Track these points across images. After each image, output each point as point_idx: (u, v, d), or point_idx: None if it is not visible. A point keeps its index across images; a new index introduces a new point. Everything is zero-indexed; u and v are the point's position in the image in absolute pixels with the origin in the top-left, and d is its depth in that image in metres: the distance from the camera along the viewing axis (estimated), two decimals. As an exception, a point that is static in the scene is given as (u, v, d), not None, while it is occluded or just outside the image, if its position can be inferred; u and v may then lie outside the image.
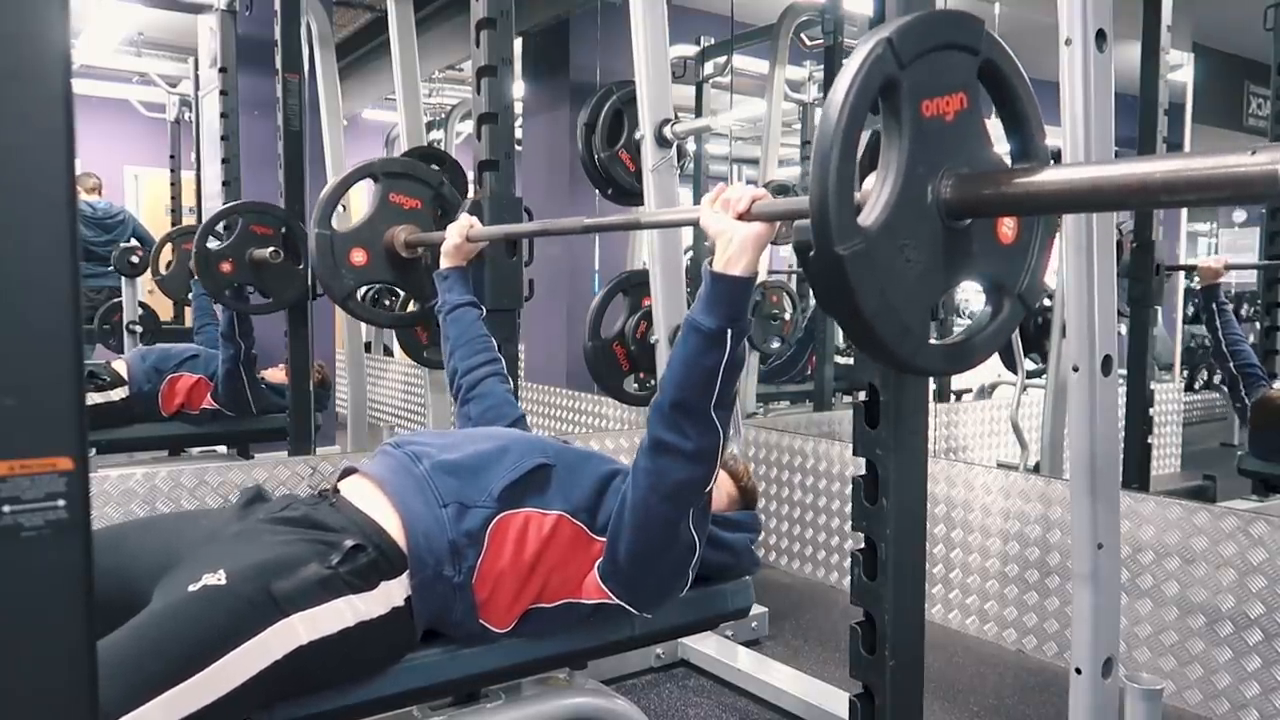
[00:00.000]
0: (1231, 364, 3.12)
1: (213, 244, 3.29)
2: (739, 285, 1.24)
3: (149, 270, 4.57)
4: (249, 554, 1.27)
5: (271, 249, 3.17)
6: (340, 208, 4.04)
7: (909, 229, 0.84)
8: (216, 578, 1.21)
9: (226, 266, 3.27)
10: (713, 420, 1.31)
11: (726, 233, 1.24)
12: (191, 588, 1.20)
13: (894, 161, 0.82)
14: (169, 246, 4.57)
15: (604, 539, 1.44)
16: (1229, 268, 3.24)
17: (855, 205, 0.81)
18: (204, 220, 3.37)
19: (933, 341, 0.91)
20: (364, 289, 3.08)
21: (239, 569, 1.23)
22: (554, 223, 1.89)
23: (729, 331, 1.26)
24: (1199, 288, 3.20)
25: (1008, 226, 0.96)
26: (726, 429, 1.34)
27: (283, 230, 3.29)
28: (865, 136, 0.85)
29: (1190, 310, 4.94)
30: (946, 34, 0.83)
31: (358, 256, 2.20)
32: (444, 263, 1.96)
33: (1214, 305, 3.13)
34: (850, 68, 0.78)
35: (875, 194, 0.83)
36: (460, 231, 1.92)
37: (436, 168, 3.41)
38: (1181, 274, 4.70)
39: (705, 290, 1.27)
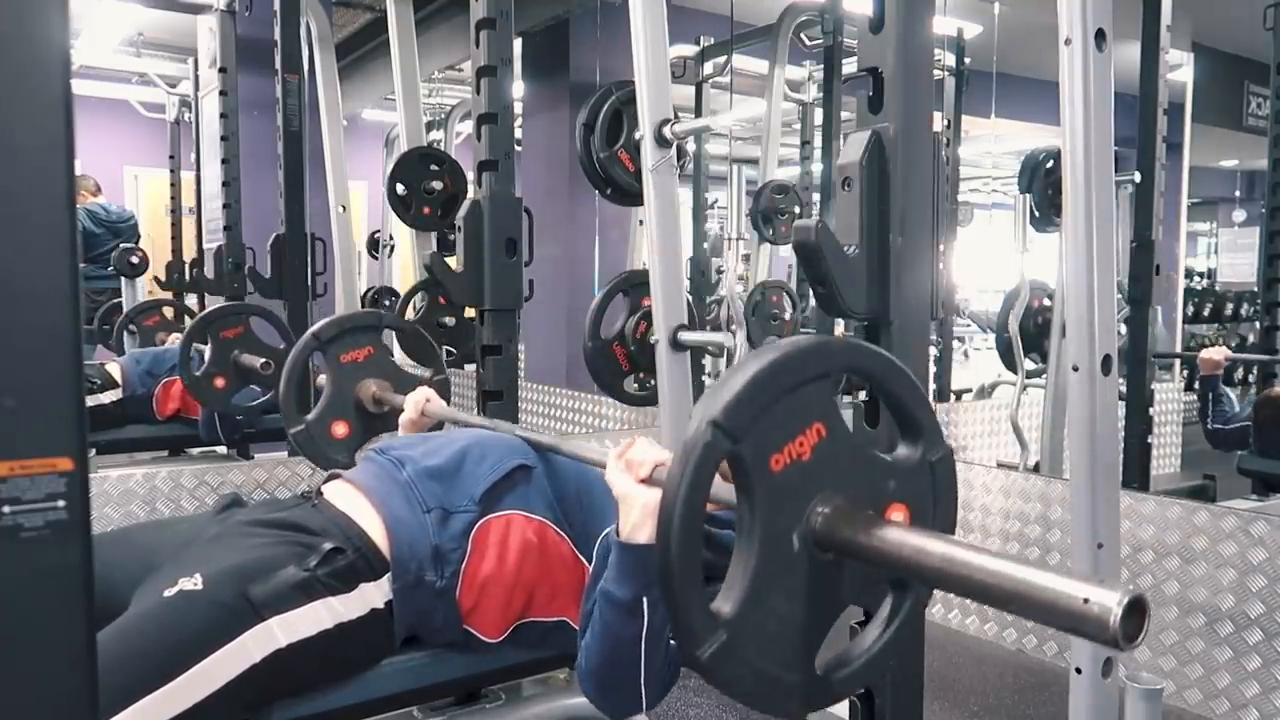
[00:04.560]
0: (1220, 431, 3.14)
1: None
2: (646, 553, 1.17)
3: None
4: (226, 558, 1.27)
5: (262, 360, 3.15)
6: (340, 208, 4.07)
7: (776, 589, 0.78)
8: (192, 582, 1.20)
9: (220, 381, 3.27)
10: (639, 693, 1.26)
11: (628, 498, 1.19)
12: (167, 593, 1.19)
13: (749, 527, 0.77)
14: (130, 326, 4.44)
15: (588, 562, 1.41)
16: (1230, 360, 3.24)
17: (716, 504, 0.76)
18: (180, 346, 3.33)
19: (827, 666, 0.84)
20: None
21: (215, 573, 1.22)
22: (499, 423, 1.75)
23: (645, 600, 1.19)
24: (1199, 376, 3.19)
25: (898, 517, 0.87)
26: (658, 696, 1.29)
27: (249, 321, 3.29)
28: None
29: (1190, 310, 4.95)
30: (783, 384, 0.77)
31: (339, 430, 2.15)
32: (401, 434, 1.91)
33: (1210, 394, 3.12)
34: (677, 464, 0.74)
35: (732, 567, 0.78)
36: (416, 406, 1.89)
37: (436, 167, 3.44)
38: (1182, 274, 4.71)
39: (614, 559, 1.21)
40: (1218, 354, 3.15)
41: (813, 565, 0.80)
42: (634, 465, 1.19)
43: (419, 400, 1.89)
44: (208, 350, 3.28)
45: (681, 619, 0.75)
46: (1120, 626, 0.60)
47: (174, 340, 3.88)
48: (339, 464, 2.11)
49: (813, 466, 0.80)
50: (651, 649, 1.23)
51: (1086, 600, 0.62)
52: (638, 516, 1.17)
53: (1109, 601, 0.61)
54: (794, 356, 0.79)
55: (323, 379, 2.20)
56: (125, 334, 4.66)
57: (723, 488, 1.74)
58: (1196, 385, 3.18)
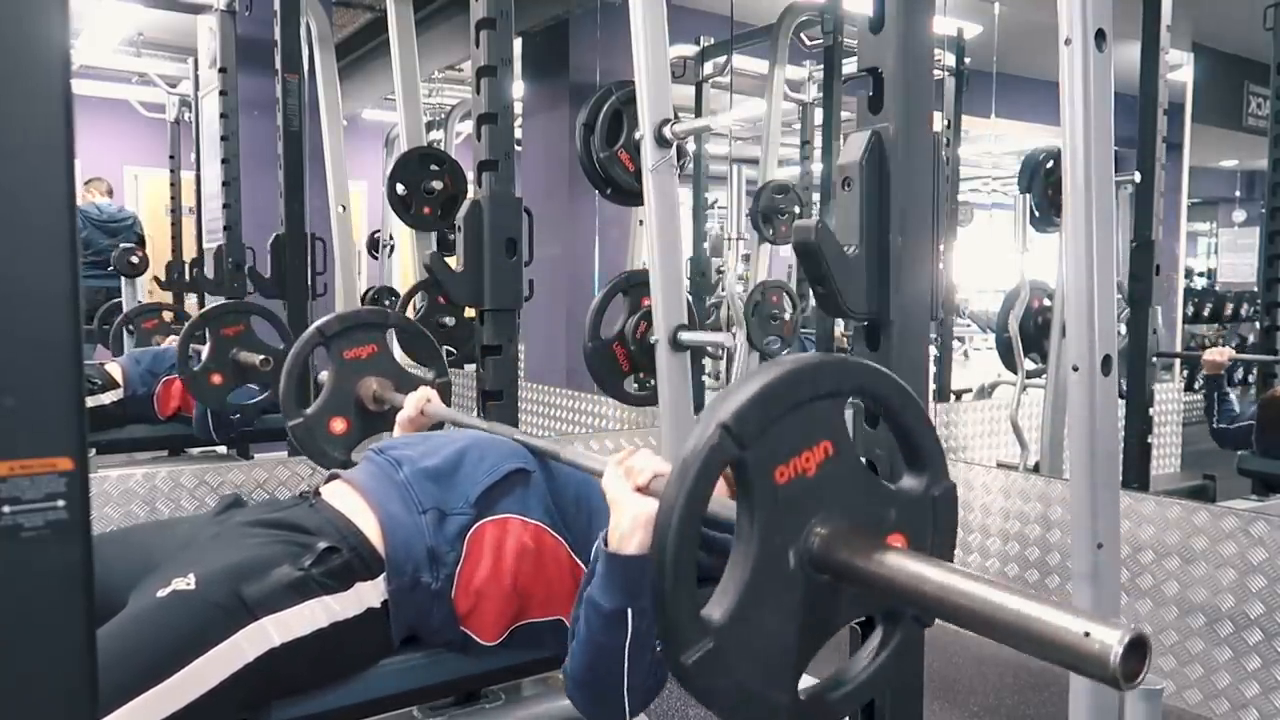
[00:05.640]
0: (1227, 431, 3.18)
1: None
2: (634, 564, 1.15)
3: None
4: (221, 557, 1.27)
5: (261, 357, 3.16)
6: (340, 208, 4.07)
7: (768, 604, 0.77)
8: (186, 582, 1.20)
9: (217, 378, 3.26)
10: (621, 703, 1.24)
11: (621, 505, 1.17)
12: (160, 593, 1.19)
13: (747, 537, 0.77)
14: (128, 327, 4.45)
15: (585, 565, 1.40)
16: (1234, 360, 3.26)
17: (711, 523, 0.75)
18: (180, 340, 3.33)
19: (812, 691, 0.83)
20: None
21: (209, 573, 1.22)
22: (497, 426, 1.78)
23: (629, 610, 1.18)
24: (1201, 376, 3.21)
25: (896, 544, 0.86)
26: (639, 705, 1.27)
27: (249, 320, 3.30)
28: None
29: (1190, 310, 4.95)
30: (796, 397, 0.77)
31: (337, 426, 2.13)
32: (396, 432, 1.90)
33: (1215, 394, 3.15)
34: (682, 461, 0.74)
35: (726, 575, 0.77)
36: (416, 405, 1.87)
37: (436, 167, 3.44)
38: (1181, 275, 4.71)
39: (601, 568, 1.20)
40: (1221, 354, 3.17)
41: (808, 585, 0.79)
42: (633, 472, 1.18)
43: (419, 399, 1.88)
44: (206, 348, 3.28)
45: (670, 622, 0.73)
46: (1120, 665, 0.59)
47: (171, 341, 3.88)
48: (335, 460, 2.10)
49: (817, 485, 0.79)
50: (635, 660, 1.21)
51: (1087, 634, 0.61)
52: (628, 526, 1.16)
53: (1109, 639, 0.60)
54: (809, 370, 0.79)
55: (323, 376, 2.19)
56: (124, 333, 4.67)
57: (720, 504, 1.74)
58: (1200, 385, 3.19)
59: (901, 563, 0.77)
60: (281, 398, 2.14)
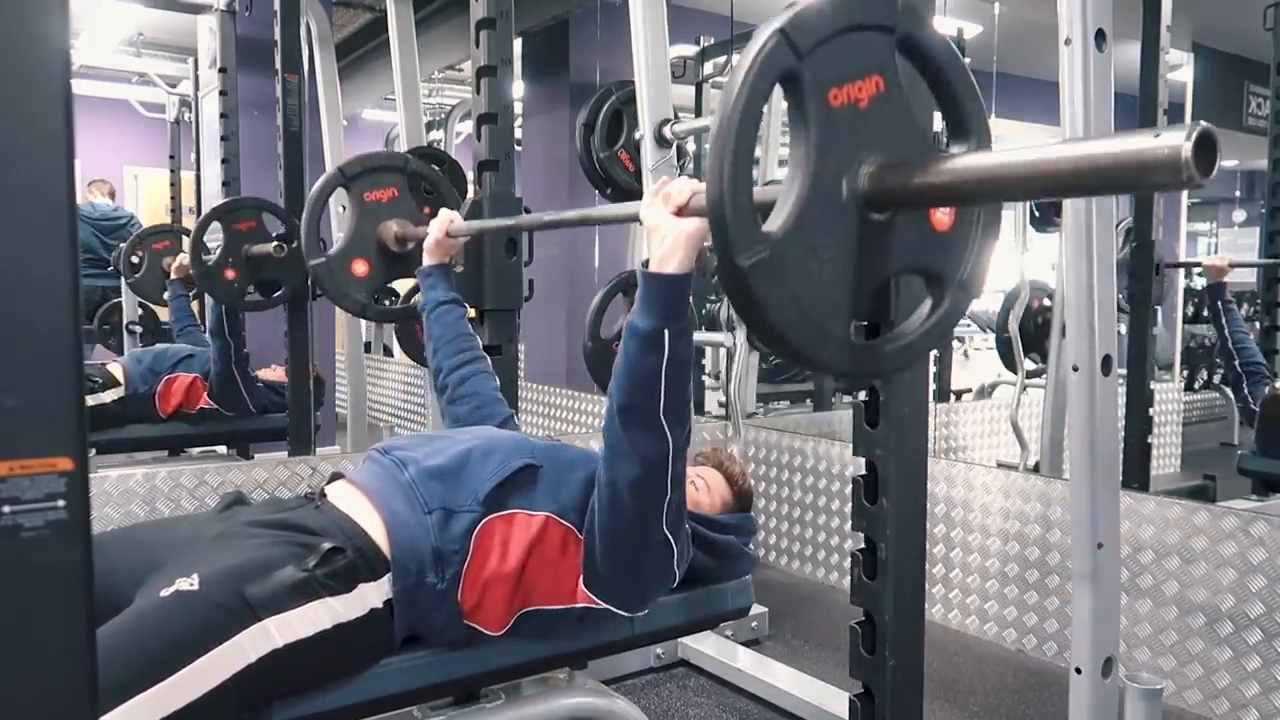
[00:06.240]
0: (1237, 361, 3.13)
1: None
2: (673, 283, 1.21)
3: (121, 273, 4.52)
4: (225, 558, 1.27)
5: (275, 244, 3.15)
6: (340, 208, 4.06)
7: (822, 228, 0.78)
8: (190, 582, 1.21)
9: (231, 273, 3.25)
10: (661, 427, 1.28)
11: (662, 228, 1.20)
12: (164, 593, 1.20)
13: (802, 157, 0.77)
14: (139, 248, 4.49)
15: None
16: (1234, 266, 3.23)
17: (758, 208, 0.75)
18: (193, 232, 3.32)
19: (867, 342, 0.85)
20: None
21: (212, 573, 1.23)
22: (523, 218, 1.95)
23: (666, 331, 1.22)
24: (1205, 285, 3.19)
25: (943, 213, 0.87)
26: (680, 434, 1.31)
27: (262, 216, 3.29)
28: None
29: (1190, 310, 4.95)
30: (851, 15, 0.77)
31: (359, 268, 2.18)
32: (426, 259, 1.92)
33: (1219, 303, 3.12)
34: (742, 64, 0.73)
35: (783, 194, 0.78)
36: (440, 227, 1.89)
37: (437, 167, 3.44)
38: (1181, 274, 4.71)
39: (640, 290, 1.24)
40: (1221, 260, 3.15)
41: (860, 221, 0.80)
42: (670, 197, 1.21)
43: (443, 221, 1.89)
44: (218, 249, 3.25)
45: (727, 224, 0.73)
46: (1193, 158, 0.58)
47: (182, 259, 3.88)
48: (356, 303, 2.20)
49: (868, 118, 0.79)
50: (673, 382, 1.26)
51: (1157, 134, 0.60)
52: (669, 246, 1.20)
53: (1176, 140, 0.59)
54: None
55: (338, 238, 2.22)
56: (127, 332, 4.66)
57: (724, 499, 1.72)
58: (1205, 297, 3.16)
59: (955, 162, 0.77)
60: (303, 237, 2.17)
